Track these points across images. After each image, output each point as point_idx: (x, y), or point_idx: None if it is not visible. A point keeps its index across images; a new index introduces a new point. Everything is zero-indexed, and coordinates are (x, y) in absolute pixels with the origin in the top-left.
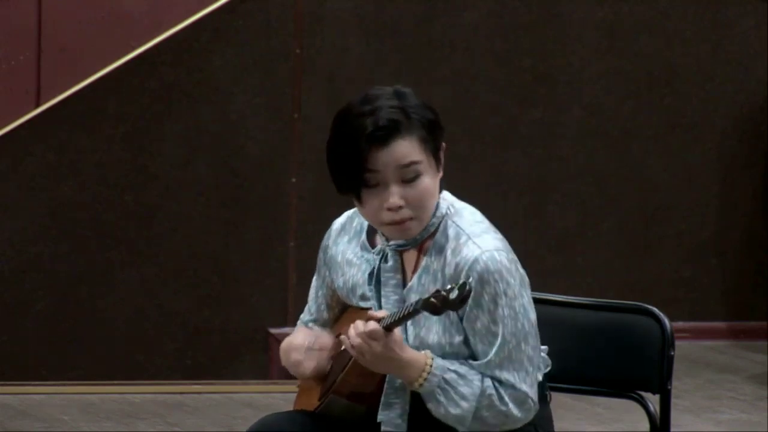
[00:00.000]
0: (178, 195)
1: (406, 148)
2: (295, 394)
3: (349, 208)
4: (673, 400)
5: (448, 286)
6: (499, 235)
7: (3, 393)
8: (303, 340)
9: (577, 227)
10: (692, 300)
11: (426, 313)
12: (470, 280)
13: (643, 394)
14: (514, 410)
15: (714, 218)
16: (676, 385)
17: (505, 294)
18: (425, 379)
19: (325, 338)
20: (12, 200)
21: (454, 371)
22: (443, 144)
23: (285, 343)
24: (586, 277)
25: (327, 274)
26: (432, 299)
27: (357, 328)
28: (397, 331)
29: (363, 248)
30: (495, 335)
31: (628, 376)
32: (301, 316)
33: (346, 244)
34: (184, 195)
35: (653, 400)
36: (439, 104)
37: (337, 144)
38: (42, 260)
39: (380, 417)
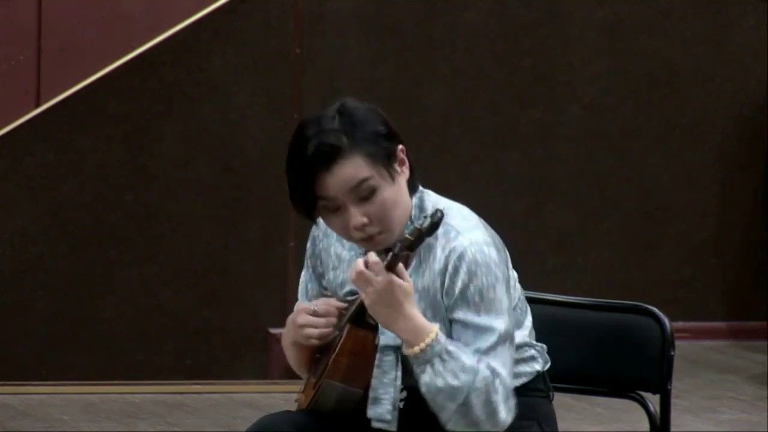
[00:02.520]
0: (178, 195)
1: (351, 168)
2: (296, 395)
3: None
4: (673, 400)
5: (420, 221)
6: (490, 231)
7: (3, 393)
8: (310, 304)
9: (577, 227)
10: (692, 300)
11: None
12: (443, 207)
13: (643, 394)
14: (502, 406)
15: (714, 218)
16: (676, 385)
17: (494, 288)
18: (428, 345)
19: (332, 304)
20: (12, 200)
21: (456, 346)
22: (399, 147)
23: (292, 315)
24: (586, 277)
25: (318, 264)
26: (407, 236)
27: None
28: (408, 285)
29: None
30: (481, 330)
31: (628, 376)
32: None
33: (337, 240)
34: (184, 195)
35: (653, 400)
36: (439, 104)
37: (289, 172)
38: (42, 260)
39: (369, 413)
